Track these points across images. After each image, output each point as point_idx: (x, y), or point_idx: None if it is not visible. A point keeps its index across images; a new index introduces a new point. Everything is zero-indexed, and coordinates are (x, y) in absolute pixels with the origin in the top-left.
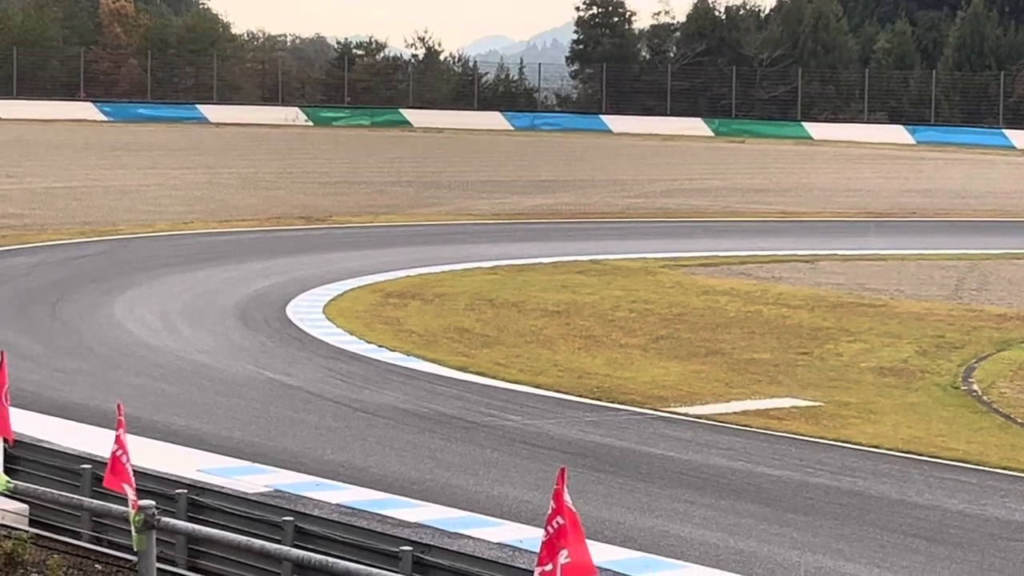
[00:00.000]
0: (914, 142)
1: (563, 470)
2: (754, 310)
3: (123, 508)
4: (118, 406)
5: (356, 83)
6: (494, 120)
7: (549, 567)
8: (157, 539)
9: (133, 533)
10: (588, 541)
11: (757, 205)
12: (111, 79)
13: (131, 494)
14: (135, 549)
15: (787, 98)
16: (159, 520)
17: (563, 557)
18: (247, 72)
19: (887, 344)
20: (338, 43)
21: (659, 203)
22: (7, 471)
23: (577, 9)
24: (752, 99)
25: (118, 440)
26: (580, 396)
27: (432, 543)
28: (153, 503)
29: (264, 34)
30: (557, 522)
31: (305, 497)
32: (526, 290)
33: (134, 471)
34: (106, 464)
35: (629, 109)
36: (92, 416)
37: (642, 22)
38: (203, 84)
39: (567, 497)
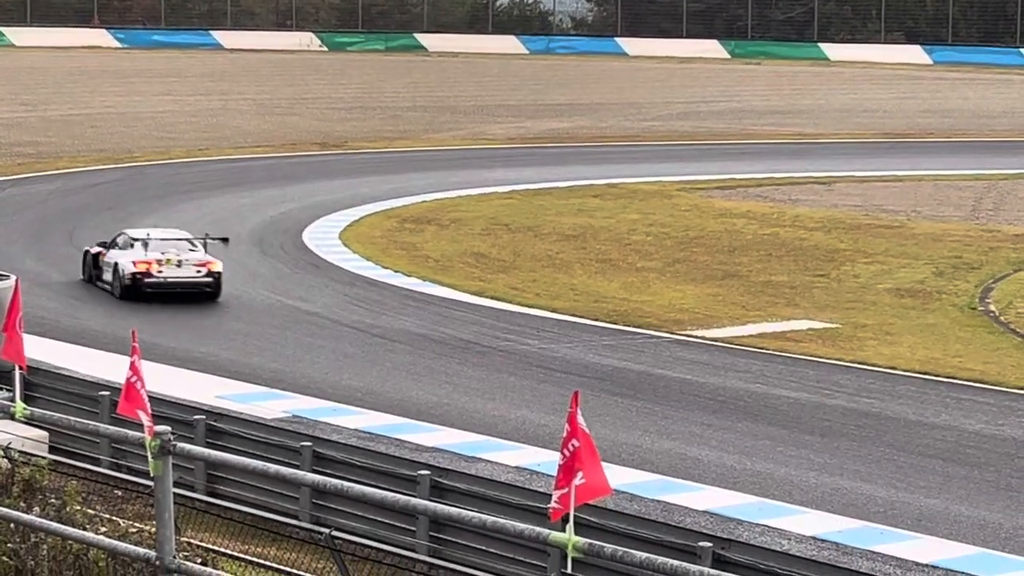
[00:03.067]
0: (931, 62)
1: (576, 393)
2: (771, 232)
3: (140, 434)
4: (132, 333)
5: (370, 7)
6: (509, 44)
7: (566, 490)
8: (178, 465)
9: (149, 459)
10: (605, 464)
11: (773, 127)
12: (125, 5)
13: (146, 420)
14: (151, 474)
15: (803, 19)
16: (175, 446)
17: (578, 479)
18: None
19: (904, 265)
20: None
21: (675, 126)
22: (26, 399)
23: None
24: (768, 20)
25: (132, 367)
26: (596, 320)
27: (450, 467)
28: (169, 429)
29: None
30: (573, 445)
31: (323, 422)
32: (542, 214)
33: (152, 398)
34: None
35: (645, 32)
36: (110, 343)
37: None
38: (217, 10)
39: (581, 420)
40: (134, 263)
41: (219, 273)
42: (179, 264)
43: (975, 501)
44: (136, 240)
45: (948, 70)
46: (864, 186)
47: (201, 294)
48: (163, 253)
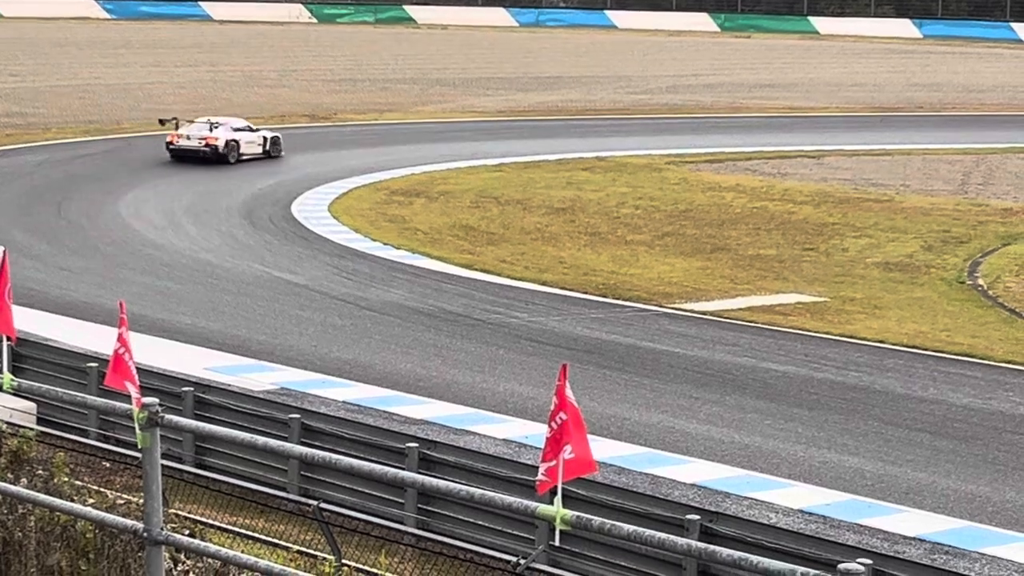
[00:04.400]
0: (921, 36)
1: (565, 366)
2: (760, 206)
3: (128, 406)
4: (120, 304)
5: None
6: (499, 16)
7: (553, 463)
8: (166, 437)
9: (137, 430)
10: (593, 437)
11: (763, 100)
12: None
13: (134, 392)
14: (139, 446)
15: None
16: (163, 418)
17: (567, 452)
18: None
19: (893, 239)
20: None
21: (664, 99)
22: (14, 370)
23: None
24: None
25: (120, 338)
26: (585, 293)
27: (438, 439)
28: (156, 400)
29: None
30: (560, 418)
31: (311, 394)
32: (531, 187)
33: (141, 369)
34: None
35: (634, 4)
36: (98, 314)
37: None
38: None
39: (569, 393)
40: (169, 135)
41: (215, 145)
42: (188, 138)
43: (962, 475)
44: (183, 122)
45: (938, 44)
46: (854, 159)
47: (202, 158)
48: (185, 131)
